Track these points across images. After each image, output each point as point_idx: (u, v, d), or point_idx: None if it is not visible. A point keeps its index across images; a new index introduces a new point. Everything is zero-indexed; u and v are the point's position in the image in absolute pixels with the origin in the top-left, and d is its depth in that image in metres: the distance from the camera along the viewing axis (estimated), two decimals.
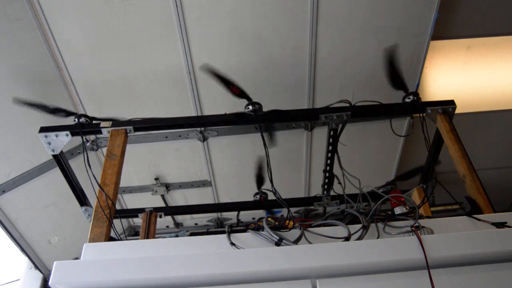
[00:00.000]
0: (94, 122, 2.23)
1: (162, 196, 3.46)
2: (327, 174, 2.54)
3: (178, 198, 3.55)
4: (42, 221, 3.15)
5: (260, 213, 3.29)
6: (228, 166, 3.29)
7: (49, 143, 2.14)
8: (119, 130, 2.12)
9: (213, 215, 3.76)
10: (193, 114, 2.89)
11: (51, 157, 2.21)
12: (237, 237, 1.65)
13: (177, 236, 2.63)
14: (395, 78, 2.21)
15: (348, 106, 2.22)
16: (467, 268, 1.44)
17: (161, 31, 2.54)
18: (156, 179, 3.33)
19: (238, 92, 2.21)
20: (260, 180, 2.79)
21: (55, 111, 2.29)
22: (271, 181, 2.06)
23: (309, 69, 2.74)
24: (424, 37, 2.67)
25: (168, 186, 3.39)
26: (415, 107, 2.20)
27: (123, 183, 2.87)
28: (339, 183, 2.29)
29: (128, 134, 2.14)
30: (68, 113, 2.30)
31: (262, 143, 2.15)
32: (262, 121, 2.19)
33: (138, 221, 3.71)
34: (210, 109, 2.89)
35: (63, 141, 2.15)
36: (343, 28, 2.61)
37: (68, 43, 2.54)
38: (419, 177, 2.54)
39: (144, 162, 3.21)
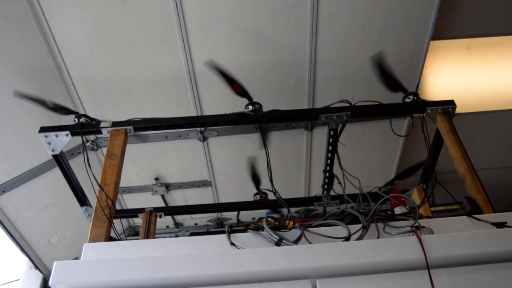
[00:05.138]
0: (94, 122, 2.23)
1: (162, 196, 3.46)
2: (327, 174, 2.54)
3: (178, 198, 3.55)
4: (42, 221, 3.15)
5: (260, 213, 3.29)
6: (228, 166, 3.29)
7: (49, 143, 2.14)
8: (119, 130, 2.12)
9: (213, 215, 3.76)
10: (193, 114, 2.89)
11: (51, 157, 2.21)
12: (237, 237, 1.65)
13: (177, 236, 2.62)
14: (390, 81, 2.17)
15: (348, 106, 2.22)
16: (467, 268, 1.44)
17: (161, 32, 2.54)
18: (156, 179, 3.33)
19: (240, 91, 2.20)
20: (256, 180, 2.77)
21: (55, 108, 2.26)
22: (271, 181, 2.06)
23: (309, 69, 2.74)
24: (424, 37, 2.67)
25: (168, 186, 3.39)
26: (415, 107, 2.20)
27: (123, 183, 2.87)
28: (339, 183, 2.29)
29: (128, 134, 2.14)
30: (68, 111, 2.26)
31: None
32: (262, 121, 2.18)
33: (138, 221, 3.71)
34: (210, 109, 2.89)
35: (63, 141, 2.15)
36: (343, 28, 2.61)
37: (68, 43, 2.54)
38: (420, 176, 2.54)
39: (144, 162, 3.21)
